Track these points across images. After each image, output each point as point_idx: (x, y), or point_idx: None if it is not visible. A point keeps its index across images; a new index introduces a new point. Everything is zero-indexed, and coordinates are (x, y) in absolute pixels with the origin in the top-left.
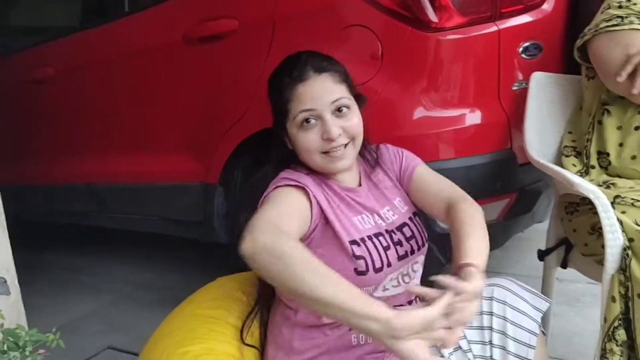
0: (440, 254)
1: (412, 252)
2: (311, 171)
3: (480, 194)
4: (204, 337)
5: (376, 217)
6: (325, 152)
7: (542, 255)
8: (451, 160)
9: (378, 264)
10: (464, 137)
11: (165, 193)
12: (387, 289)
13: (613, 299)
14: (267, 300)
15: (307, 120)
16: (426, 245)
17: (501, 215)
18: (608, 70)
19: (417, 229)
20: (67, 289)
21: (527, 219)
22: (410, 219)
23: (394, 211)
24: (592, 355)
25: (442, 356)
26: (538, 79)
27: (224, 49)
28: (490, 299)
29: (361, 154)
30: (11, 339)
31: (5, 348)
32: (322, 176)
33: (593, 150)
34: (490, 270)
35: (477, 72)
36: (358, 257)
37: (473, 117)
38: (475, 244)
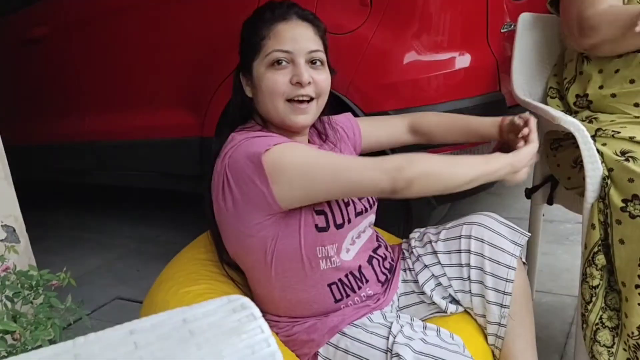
0: (431, 196)
1: (366, 209)
2: (265, 127)
3: None
4: (205, 278)
5: None
6: (289, 101)
7: (529, 193)
8: (442, 104)
9: (339, 220)
10: (454, 80)
11: (163, 148)
12: (349, 250)
13: (593, 226)
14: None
15: (278, 61)
16: (375, 206)
17: None
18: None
19: None
20: (75, 246)
21: None
22: None
23: None
24: (579, 287)
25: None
26: (525, 19)
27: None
28: (469, 237)
29: (314, 124)
30: (24, 279)
31: (19, 288)
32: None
33: (571, 95)
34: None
35: (466, 15)
36: (319, 212)
37: (463, 60)
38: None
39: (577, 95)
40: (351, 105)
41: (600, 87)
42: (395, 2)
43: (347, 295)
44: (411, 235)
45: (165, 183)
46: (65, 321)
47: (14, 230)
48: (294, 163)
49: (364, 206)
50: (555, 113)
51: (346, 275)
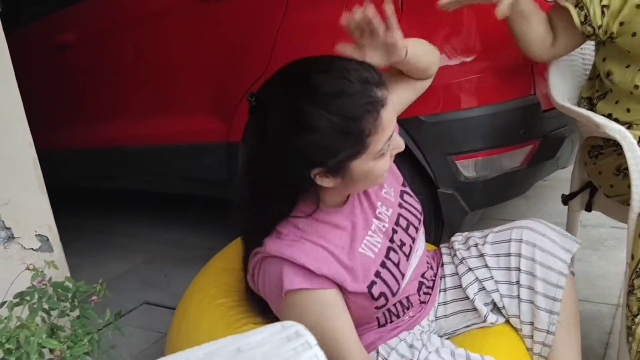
0: (464, 201)
1: (414, 239)
2: (316, 209)
3: (504, 141)
4: (236, 289)
5: (376, 223)
6: None
7: (566, 199)
8: (474, 109)
9: (395, 288)
10: (486, 84)
11: (190, 153)
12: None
13: None
14: None
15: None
16: (421, 219)
17: (525, 161)
18: None
19: (409, 210)
20: (102, 250)
21: (551, 165)
22: (400, 204)
23: (385, 202)
24: (617, 295)
25: (468, 298)
26: None
27: (239, 4)
28: (519, 241)
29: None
30: (61, 291)
31: (55, 299)
32: (323, 214)
33: (599, 111)
34: (511, 219)
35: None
36: (377, 297)
37: (496, 64)
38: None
39: (603, 115)
40: None
41: (628, 111)
42: (426, 4)
43: (391, 321)
44: (453, 239)
45: (193, 188)
46: (103, 335)
47: (48, 240)
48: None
49: (411, 241)
50: (599, 120)
51: (394, 304)
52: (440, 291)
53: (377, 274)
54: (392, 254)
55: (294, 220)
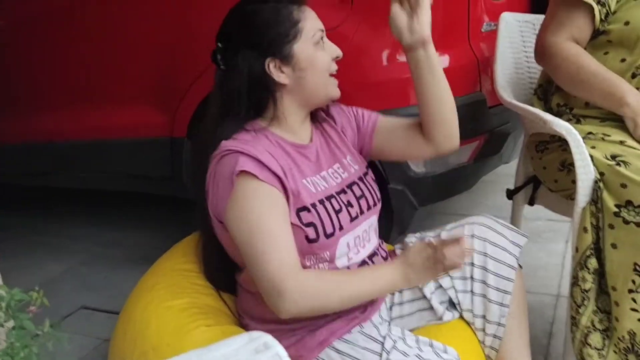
0: (413, 197)
1: (362, 212)
2: (269, 125)
3: None
4: (187, 290)
5: (328, 174)
6: (331, 74)
7: (511, 193)
8: None
9: (329, 229)
10: None
11: (131, 149)
12: (351, 258)
13: (585, 230)
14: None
15: (322, 38)
16: (378, 204)
17: (472, 157)
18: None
19: (368, 188)
20: (35, 250)
21: (495, 161)
22: (360, 178)
23: (345, 169)
24: (557, 286)
25: (425, 296)
26: (507, 20)
27: None
28: (472, 236)
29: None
30: None
31: None
32: (275, 136)
33: (554, 101)
34: (455, 213)
35: (447, 14)
36: (307, 225)
37: (444, 60)
38: None
39: (559, 105)
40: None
41: (586, 104)
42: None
43: None
44: (407, 239)
45: (134, 185)
46: (42, 348)
47: None
48: (245, 215)
49: (359, 210)
50: (546, 116)
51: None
52: (395, 292)
53: (313, 205)
54: (333, 200)
55: (250, 131)
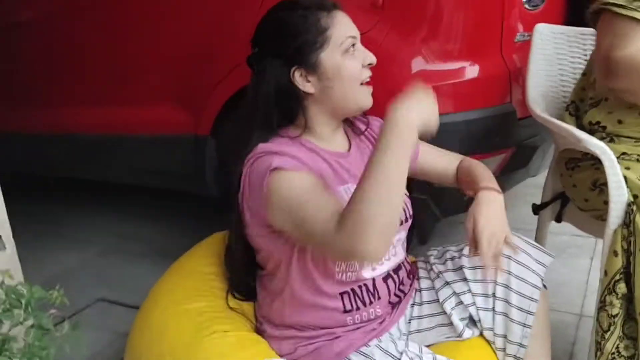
0: (436, 208)
1: None
2: (302, 133)
3: (478, 149)
4: (205, 294)
5: None
6: (364, 82)
7: (537, 209)
8: (450, 115)
9: None
10: (464, 90)
11: (154, 145)
12: (376, 268)
13: (615, 253)
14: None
15: (353, 45)
16: (409, 221)
17: (498, 169)
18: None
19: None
20: (52, 241)
21: (522, 174)
22: None
23: None
24: (580, 305)
25: (445, 312)
26: (542, 31)
27: None
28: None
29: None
30: (14, 297)
31: (8, 306)
32: (310, 143)
33: (586, 119)
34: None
35: (480, 23)
36: None
37: (474, 70)
38: (485, 171)
39: (591, 123)
40: None
41: (620, 122)
42: (407, 4)
43: (357, 308)
44: (429, 253)
45: (156, 181)
46: (61, 349)
47: (0, 237)
48: (284, 198)
49: None
50: (581, 134)
51: (359, 286)
52: (414, 305)
53: None
54: None
55: (285, 137)
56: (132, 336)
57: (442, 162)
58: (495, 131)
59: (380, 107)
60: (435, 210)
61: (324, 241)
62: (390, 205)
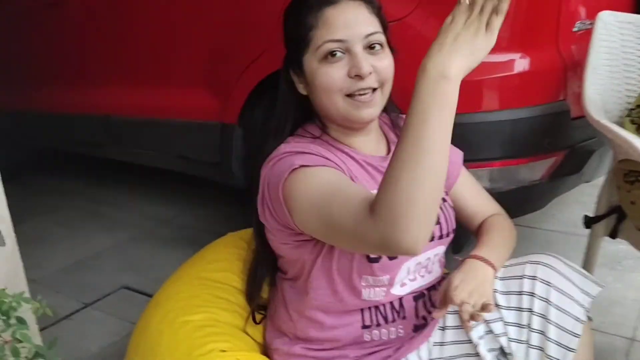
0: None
1: (432, 238)
2: (324, 132)
3: (525, 151)
4: (207, 304)
5: None
6: (350, 95)
7: (589, 222)
8: (495, 112)
9: None
10: (512, 85)
11: (182, 130)
12: (405, 284)
13: None
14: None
15: (332, 53)
16: (451, 235)
17: (546, 174)
18: None
19: (444, 215)
20: (88, 220)
21: (574, 180)
22: None
23: None
24: (633, 327)
25: (471, 341)
26: (605, 19)
27: None
28: (533, 278)
29: (388, 114)
30: None
31: None
32: (337, 143)
33: None
34: (524, 225)
35: (532, 9)
36: None
37: (525, 63)
38: (502, 247)
39: None
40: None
41: None
42: None
43: (378, 324)
44: None
45: (183, 166)
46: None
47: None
48: (307, 194)
49: (431, 234)
50: None
51: (384, 303)
52: (438, 329)
53: None
54: None
55: (307, 138)
56: (130, 345)
57: (475, 205)
58: (545, 132)
59: None
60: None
61: (356, 234)
62: (429, 181)
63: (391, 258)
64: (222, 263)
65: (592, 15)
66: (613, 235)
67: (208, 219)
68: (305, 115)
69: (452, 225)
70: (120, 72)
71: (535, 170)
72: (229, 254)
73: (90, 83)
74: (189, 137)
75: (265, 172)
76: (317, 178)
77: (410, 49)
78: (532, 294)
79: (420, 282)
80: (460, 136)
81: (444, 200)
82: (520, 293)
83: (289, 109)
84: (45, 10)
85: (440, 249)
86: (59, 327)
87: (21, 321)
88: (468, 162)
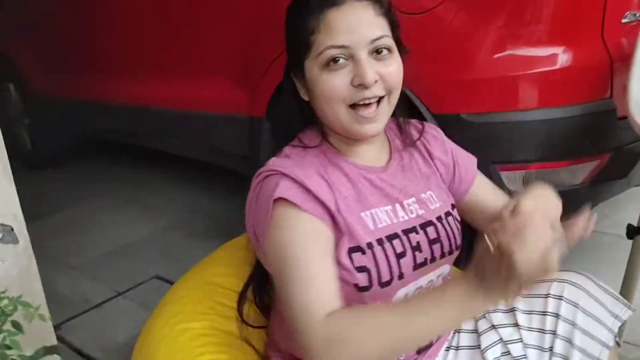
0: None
1: (433, 259)
2: (324, 139)
3: (564, 153)
4: (210, 312)
5: (397, 208)
6: (353, 106)
7: (632, 232)
8: (532, 111)
9: (386, 277)
10: (550, 82)
11: (212, 123)
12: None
13: None
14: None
15: (335, 59)
16: (454, 253)
17: (588, 178)
18: None
19: (447, 230)
20: (128, 207)
21: (621, 185)
22: (439, 218)
23: (421, 205)
24: None
25: None
26: None
27: None
28: (559, 298)
29: (396, 119)
30: None
31: None
32: (335, 154)
33: None
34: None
35: None
36: (359, 269)
37: (565, 58)
38: None
39: None
40: (416, 103)
41: None
42: None
43: None
44: None
45: (214, 158)
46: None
47: (12, 230)
48: (277, 246)
49: (430, 256)
50: None
51: None
52: (449, 349)
53: (369, 246)
54: (396, 241)
55: (304, 148)
56: (135, 347)
57: (497, 200)
58: (588, 133)
59: (448, 101)
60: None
61: (297, 326)
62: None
63: (383, 286)
64: (231, 268)
65: None
66: None
67: (240, 211)
68: (307, 120)
69: (457, 241)
70: (157, 65)
71: (575, 174)
72: (238, 258)
73: (130, 73)
74: (220, 130)
75: (254, 186)
76: (294, 231)
77: (438, 41)
78: (557, 315)
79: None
80: (495, 136)
81: (448, 214)
82: (544, 313)
83: (291, 114)
84: (87, 6)
85: (444, 268)
86: (89, 315)
87: (17, 326)
88: (500, 164)
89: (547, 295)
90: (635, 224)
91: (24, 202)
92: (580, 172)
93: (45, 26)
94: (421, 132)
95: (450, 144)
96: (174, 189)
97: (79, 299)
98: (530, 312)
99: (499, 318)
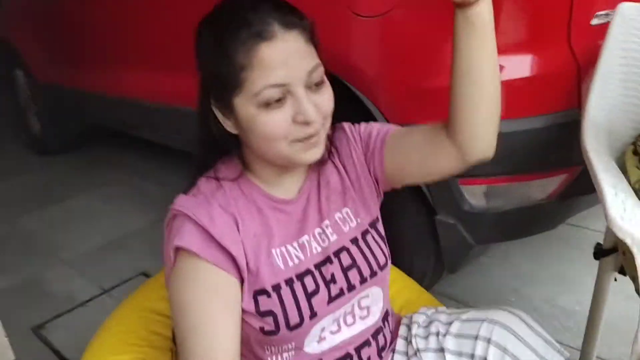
0: (468, 234)
1: (351, 287)
2: (245, 169)
3: (528, 167)
4: (140, 342)
5: (308, 241)
6: (296, 140)
7: (599, 254)
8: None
9: (295, 320)
10: (514, 92)
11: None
12: (324, 339)
13: None
14: None
15: (279, 99)
16: (379, 273)
17: (554, 193)
18: None
19: (363, 253)
20: (129, 197)
21: (590, 200)
22: (354, 239)
23: (335, 229)
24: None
25: None
26: (625, 12)
27: None
28: (487, 341)
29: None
30: None
31: None
32: (250, 184)
33: None
34: (571, 223)
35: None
36: (264, 314)
37: (529, 66)
38: None
39: None
40: (373, 111)
41: None
42: None
43: None
44: (414, 318)
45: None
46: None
47: None
48: (179, 302)
49: (346, 285)
50: (611, 210)
51: None
52: None
53: (276, 288)
54: (308, 278)
55: (219, 181)
56: None
57: (423, 127)
58: (554, 144)
59: (406, 109)
60: (468, 237)
61: None
62: None
63: (292, 329)
64: None
65: (615, 5)
66: (623, 271)
67: None
68: (226, 151)
69: (378, 261)
70: (151, 58)
71: (541, 189)
72: None
73: (127, 67)
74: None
75: (166, 223)
76: (192, 287)
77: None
78: None
79: (347, 333)
80: None
81: (365, 233)
82: (471, 356)
83: (210, 145)
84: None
85: (373, 290)
86: (73, 314)
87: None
88: (460, 177)
89: (476, 337)
90: (594, 249)
91: (27, 193)
92: (546, 187)
93: (47, 15)
94: (332, 143)
95: (360, 126)
96: (176, 179)
97: (65, 295)
98: (459, 354)
99: (430, 357)
